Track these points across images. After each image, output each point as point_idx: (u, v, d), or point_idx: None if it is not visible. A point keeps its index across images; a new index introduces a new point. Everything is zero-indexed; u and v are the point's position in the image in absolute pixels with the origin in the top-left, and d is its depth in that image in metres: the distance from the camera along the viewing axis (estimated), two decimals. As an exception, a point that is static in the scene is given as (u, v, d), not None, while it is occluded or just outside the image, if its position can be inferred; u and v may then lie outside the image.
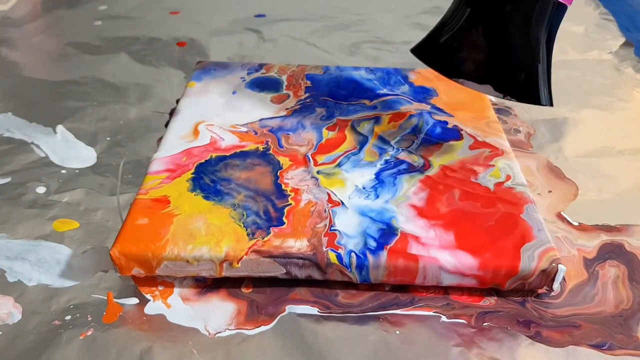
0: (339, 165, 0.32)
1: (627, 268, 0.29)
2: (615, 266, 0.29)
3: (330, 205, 0.29)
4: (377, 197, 0.30)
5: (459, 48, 0.29)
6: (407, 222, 0.28)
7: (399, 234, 0.27)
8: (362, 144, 0.33)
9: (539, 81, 0.28)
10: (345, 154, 0.33)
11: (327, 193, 0.30)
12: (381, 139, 0.34)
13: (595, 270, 0.29)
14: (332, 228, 0.27)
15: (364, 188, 0.30)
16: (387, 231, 0.27)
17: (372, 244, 0.27)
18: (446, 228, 0.28)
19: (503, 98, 0.28)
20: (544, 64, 0.28)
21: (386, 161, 0.32)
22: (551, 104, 0.29)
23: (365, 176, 0.31)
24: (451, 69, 0.29)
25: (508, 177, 0.31)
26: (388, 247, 0.27)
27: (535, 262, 0.26)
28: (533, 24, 0.28)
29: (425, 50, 0.30)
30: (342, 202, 0.29)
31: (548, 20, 0.28)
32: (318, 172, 0.31)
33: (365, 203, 0.29)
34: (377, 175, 0.31)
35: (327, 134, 0.34)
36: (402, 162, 0.32)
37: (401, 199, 0.29)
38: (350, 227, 0.28)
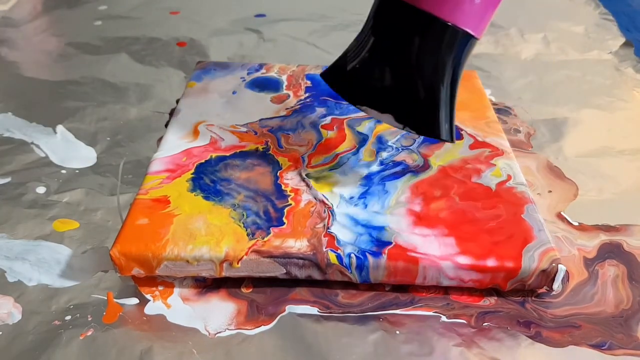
0: (336, 165, 0.32)
1: (626, 267, 0.29)
2: (615, 265, 0.29)
3: (327, 207, 0.29)
4: (375, 199, 0.29)
5: (363, 76, 0.27)
6: (406, 225, 0.28)
7: (394, 242, 0.27)
8: (361, 143, 0.33)
9: (440, 115, 0.27)
10: (345, 154, 0.32)
11: (322, 196, 0.29)
12: (381, 138, 0.34)
13: (595, 269, 0.29)
14: (329, 230, 0.27)
15: (360, 194, 0.30)
16: (383, 237, 0.27)
17: (370, 248, 0.27)
18: (446, 229, 0.28)
19: (403, 129, 0.27)
20: (447, 98, 0.27)
21: (385, 161, 0.32)
22: (452, 140, 0.27)
23: (363, 177, 0.31)
24: (355, 96, 0.28)
25: (509, 177, 0.31)
26: (386, 250, 0.27)
27: (535, 263, 0.26)
28: (437, 56, 0.26)
29: (333, 76, 0.29)
30: (333, 207, 0.29)
31: (454, 53, 0.26)
32: (308, 175, 0.31)
33: (361, 207, 0.29)
34: (376, 175, 0.31)
35: (326, 134, 0.34)
36: (402, 162, 0.32)
37: (400, 201, 0.29)
38: (345, 233, 0.27)
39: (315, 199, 0.29)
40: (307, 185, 0.30)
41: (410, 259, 0.26)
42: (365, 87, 0.27)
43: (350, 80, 0.28)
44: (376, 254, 0.26)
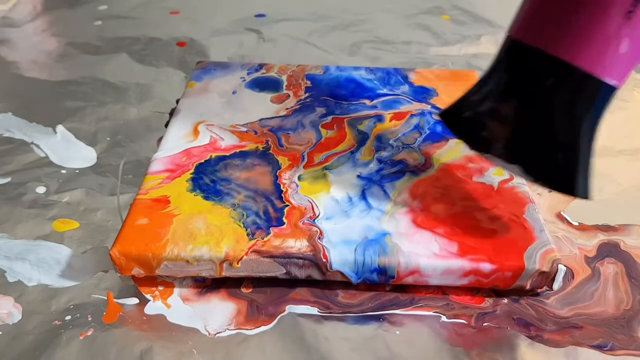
0: (335, 164, 0.31)
1: (624, 266, 0.29)
2: (613, 263, 0.29)
3: (313, 214, 0.28)
4: (375, 199, 0.29)
5: (489, 120, 0.25)
6: (406, 227, 0.28)
7: (397, 264, 0.26)
8: (361, 142, 0.33)
9: (578, 171, 0.24)
10: (344, 153, 0.32)
11: (309, 201, 0.29)
12: (382, 137, 0.34)
13: (596, 267, 0.29)
14: (319, 239, 0.27)
15: (360, 194, 0.30)
16: (385, 262, 0.27)
17: (372, 277, 0.27)
18: (448, 232, 0.28)
19: (532, 182, 0.25)
20: (585, 152, 0.24)
21: (385, 159, 0.32)
22: (587, 197, 0.25)
23: (363, 177, 0.31)
24: (479, 143, 0.26)
25: (511, 177, 0.31)
26: (390, 282, 0.27)
27: (537, 264, 0.26)
28: (575, 109, 0.24)
29: (453, 119, 0.26)
30: (315, 220, 0.28)
31: (594, 106, 0.24)
32: (300, 177, 0.30)
33: (357, 212, 0.28)
34: (376, 174, 0.31)
35: (326, 133, 0.34)
36: (403, 160, 0.32)
37: (401, 201, 0.29)
38: (342, 246, 0.27)
39: (300, 204, 0.29)
40: (295, 188, 0.30)
41: (413, 269, 0.27)
42: (490, 133, 0.26)
43: (474, 126, 0.26)
44: (380, 283, 0.27)
